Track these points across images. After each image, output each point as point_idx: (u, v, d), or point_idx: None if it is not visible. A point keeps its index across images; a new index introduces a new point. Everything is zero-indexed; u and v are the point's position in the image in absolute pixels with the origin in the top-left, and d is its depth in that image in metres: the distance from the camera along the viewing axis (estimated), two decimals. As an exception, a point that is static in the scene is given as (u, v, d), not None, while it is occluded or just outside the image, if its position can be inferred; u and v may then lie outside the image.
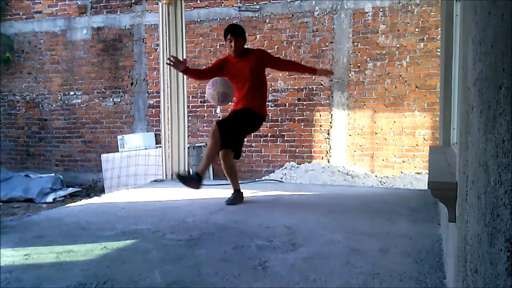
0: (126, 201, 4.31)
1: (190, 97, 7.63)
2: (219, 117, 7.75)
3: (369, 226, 3.23)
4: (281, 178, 6.79)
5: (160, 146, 6.24)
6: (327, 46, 7.24)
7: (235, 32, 3.96)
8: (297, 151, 7.44)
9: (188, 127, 6.08)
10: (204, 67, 7.84)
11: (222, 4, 7.79)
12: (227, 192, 4.76)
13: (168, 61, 4.02)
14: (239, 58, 4.00)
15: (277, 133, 7.53)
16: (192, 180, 3.82)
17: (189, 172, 4.33)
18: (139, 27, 8.28)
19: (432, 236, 2.91)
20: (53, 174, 8.29)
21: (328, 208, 3.88)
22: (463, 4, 1.72)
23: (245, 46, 4.10)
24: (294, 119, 7.42)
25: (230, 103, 4.23)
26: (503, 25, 0.79)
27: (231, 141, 3.91)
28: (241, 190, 4.15)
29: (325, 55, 7.25)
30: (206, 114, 7.93)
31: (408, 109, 6.88)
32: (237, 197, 4.07)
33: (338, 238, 2.88)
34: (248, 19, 7.59)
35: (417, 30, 6.80)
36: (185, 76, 5.65)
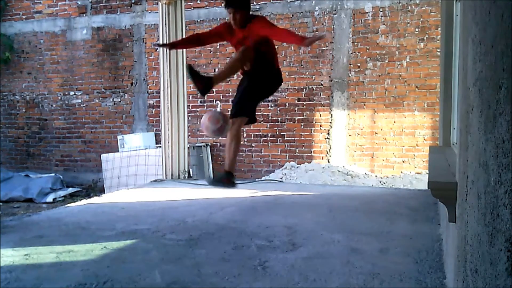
0: (126, 201, 4.31)
1: (190, 97, 7.62)
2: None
3: (369, 226, 3.23)
4: (281, 178, 6.79)
5: (160, 146, 6.24)
6: (327, 46, 7.24)
7: (232, 3, 3.51)
8: (297, 151, 7.44)
9: (188, 127, 6.08)
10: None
11: (222, 4, 7.78)
12: (227, 192, 4.76)
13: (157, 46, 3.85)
14: (242, 29, 3.57)
15: (277, 133, 7.53)
16: (227, 177, 3.53)
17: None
18: (139, 27, 8.28)
19: (432, 236, 2.91)
20: (53, 174, 8.29)
21: (328, 208, 3.88)
22: (463, 4, 1.72)
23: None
24: (294, 119, 7.42)
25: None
26: (503, 25, 0.79)
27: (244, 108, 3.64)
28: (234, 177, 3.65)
29: (325, 55, 7.25)
30: (206, 114, 7.93)
31: (408, 109, 6.88)
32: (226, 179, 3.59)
33: (338, 238, 2.88)
34: (248, 19, 7.59)
35: (417, 30, 6.80)
36: (185, 76, 5.66)
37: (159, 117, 6.44)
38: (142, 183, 6.69)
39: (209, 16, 7.83)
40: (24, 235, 3.07)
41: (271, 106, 7.42)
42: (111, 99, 8.47)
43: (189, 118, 7.28)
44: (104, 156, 7.90)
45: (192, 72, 3.52)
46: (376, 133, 7.06)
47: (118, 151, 8.10)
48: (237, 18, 3.51)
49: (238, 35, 3.62)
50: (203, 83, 3.54)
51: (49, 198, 7.64)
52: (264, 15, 7.51)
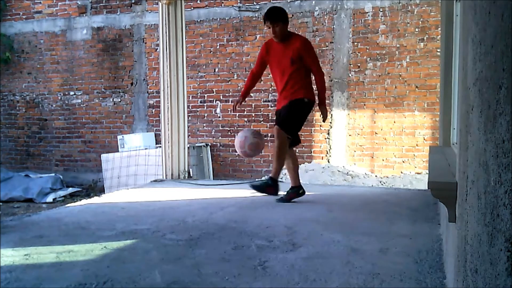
0: (126, 201, 4.31)
1: (190, 97, 7.63)
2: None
3: (369, 226, 3.23)
4: (281, 178, 6.79)
5: (160, 146, 6.24)
6: (327, 46, 7.24)
7: (271, 17, 3.72)
8: (297, 151, 7.40)
9: (188, 127, 6.08)
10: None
11: (222, 4, 7.79)
12: (227, 192, 4.76)
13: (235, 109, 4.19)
14: (282, 44, 3.80)
15: (277, 133, 7.53)
16: (269, 186, 3.80)
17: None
18: (139, 27, 8.28)
19: (432, 236, 2.91)
20: (53, 174, 8.29)
21: (328, 208, 3.88)
22: (463, 4, 1.72)
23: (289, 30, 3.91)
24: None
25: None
26: (503, 25, 0.79)
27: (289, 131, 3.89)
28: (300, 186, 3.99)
29: (325, 55, 7.25)
30: (206, 114, 7.93)
31: (408, 109, 6.88)
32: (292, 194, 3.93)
33: (338, 238, 2.88)
34: (248, 19, 7.59)
35: (417, 30, 6.80)
36: (185, 76, 5.69)
37: (159, 117, 6.44)
38: (142, 183, 6.69)
39: (209, 16, 7.83)
40: (24, 235, 3.07)
41: (271, 106, 7.42)
42: (111, 99, 8.48)
43: (189, 118, 7.29)
44: (104, 156, 7.91)
45: (257, 187, 3.95)
46: (376, 133, 7.06)
47: (118, 151, 8.10)
48: (277, 31, 3.72)
49: (278, 48, 3.80)
50: (273, 188, 3.95)
51: (49, 198, 7.64)
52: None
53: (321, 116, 4.00)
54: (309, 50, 3.83)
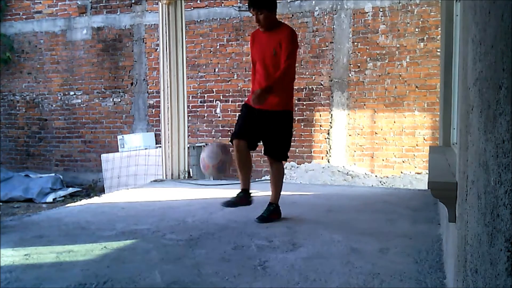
0: (126, 201, 4.31)
1: (190, 97, 7.62)
2: (219, 116, 7.75)
3: (369, 226, 3.23)
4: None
5: (160, 146, 6.24)
6: (327, 46, 7.23)
7: (255, 3, 3.31)
8: (297, 151, 7.43)
9: (188, 127, 6.08)
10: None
11: (222, 4, 7.79)
12: (227, 192, 4.75)
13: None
14: (268, 33, 3.39)
15: (277, 133, 7.52)
16: (273, 212, 3.46)
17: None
18: (139, 27, 8.28)
19: (432, 236, 2.91)
20: (53, 174, 8.29)
21: (328, 208, 3.88)
22: (463, 4, 1.72)
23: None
24: (294, 119, 7.36)
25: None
26: (503, 25, 0.79)
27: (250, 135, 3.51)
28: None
29: (325, 55, 7.25)
30: (206, 114, 7.93)
31: (408, 109, 6.88)
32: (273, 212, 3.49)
33: (338, 238, 2.88)
34: (248, 19, 7.59)
35: (417, 30, 6.80)
36: (185, 76, 5.69)
37: (159, 117, 6.44)
38: (142, 183, 6.68)
39: (209, 16, 7.83)
40: (24, 235, 3.07)
41: (271, 106, 7.41)
42: (111, 99, 8.47)
43: (189, 118, 7.28)
44: (104, 156, 7.90)
45: (231, 203, 3.47)
46: (376, 133, 7.06)
47: (118, 151, 8.09)
48: (261, 19, 3.33)
49: (263, 37, 3.44)
50: (245, 199, 3.50)
51: (49, 198, 7.64)
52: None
53: (253, 98, 3.29)
54: (289, 41, 3.33)
